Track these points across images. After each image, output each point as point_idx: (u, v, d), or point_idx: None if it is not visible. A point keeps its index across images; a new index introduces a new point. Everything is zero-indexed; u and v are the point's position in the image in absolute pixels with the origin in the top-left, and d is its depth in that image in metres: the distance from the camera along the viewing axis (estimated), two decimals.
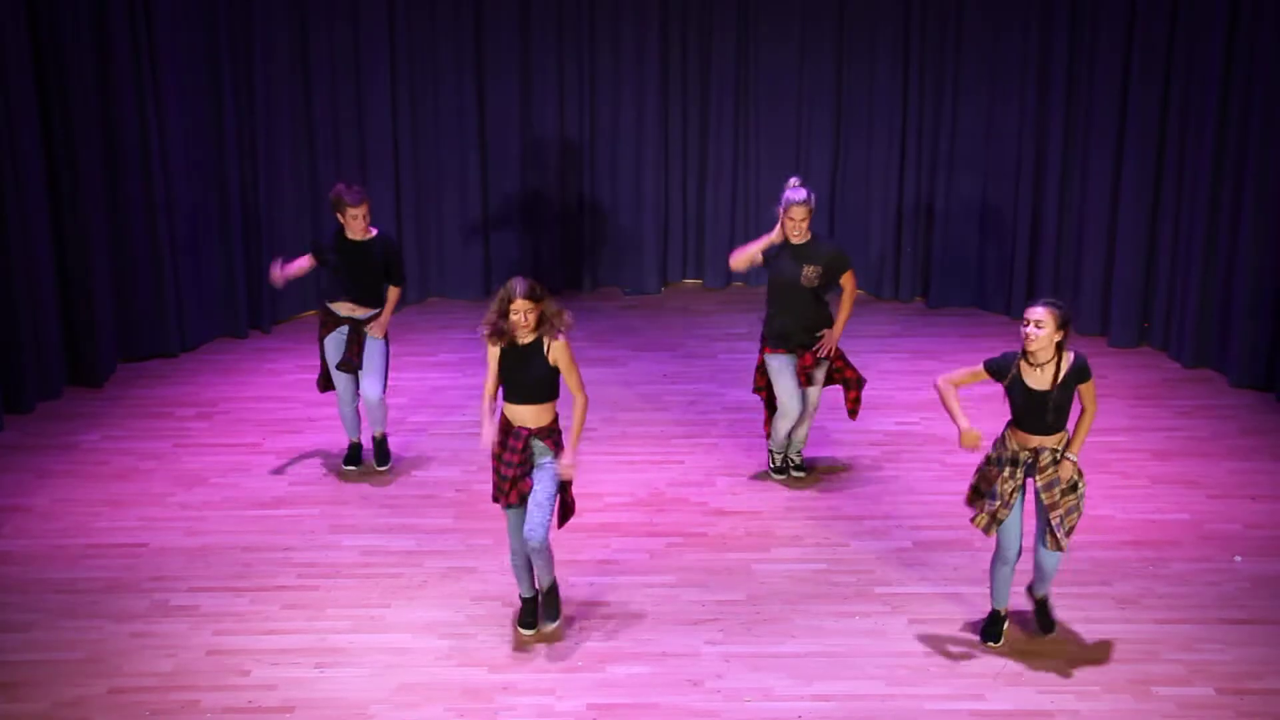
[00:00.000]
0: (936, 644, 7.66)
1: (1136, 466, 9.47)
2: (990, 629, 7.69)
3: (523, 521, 7.49)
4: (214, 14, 10.90)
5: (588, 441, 9.74)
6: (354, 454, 9.45)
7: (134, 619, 7.93)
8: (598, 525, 8.78)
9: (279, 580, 8.29)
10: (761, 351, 8.96)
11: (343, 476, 9.33)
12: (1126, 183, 11.03)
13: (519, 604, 7.84)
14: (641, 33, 11.91)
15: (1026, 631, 7.76)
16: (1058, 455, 7.31)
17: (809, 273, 8.69)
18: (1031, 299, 7.35)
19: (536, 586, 7.73)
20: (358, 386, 9.23)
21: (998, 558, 7.56)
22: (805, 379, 8.87)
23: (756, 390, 9.15)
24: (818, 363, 8.89)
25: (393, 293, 9.19)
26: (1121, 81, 10.93)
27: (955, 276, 11.98)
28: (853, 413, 9.12)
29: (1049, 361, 7.18)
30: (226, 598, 8.12)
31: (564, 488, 7.57)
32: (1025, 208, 11.53)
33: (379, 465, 9.42)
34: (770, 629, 7.87)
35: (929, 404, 10.29)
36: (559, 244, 12.28)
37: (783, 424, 8.99)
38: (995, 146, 11.61)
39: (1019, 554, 7.52)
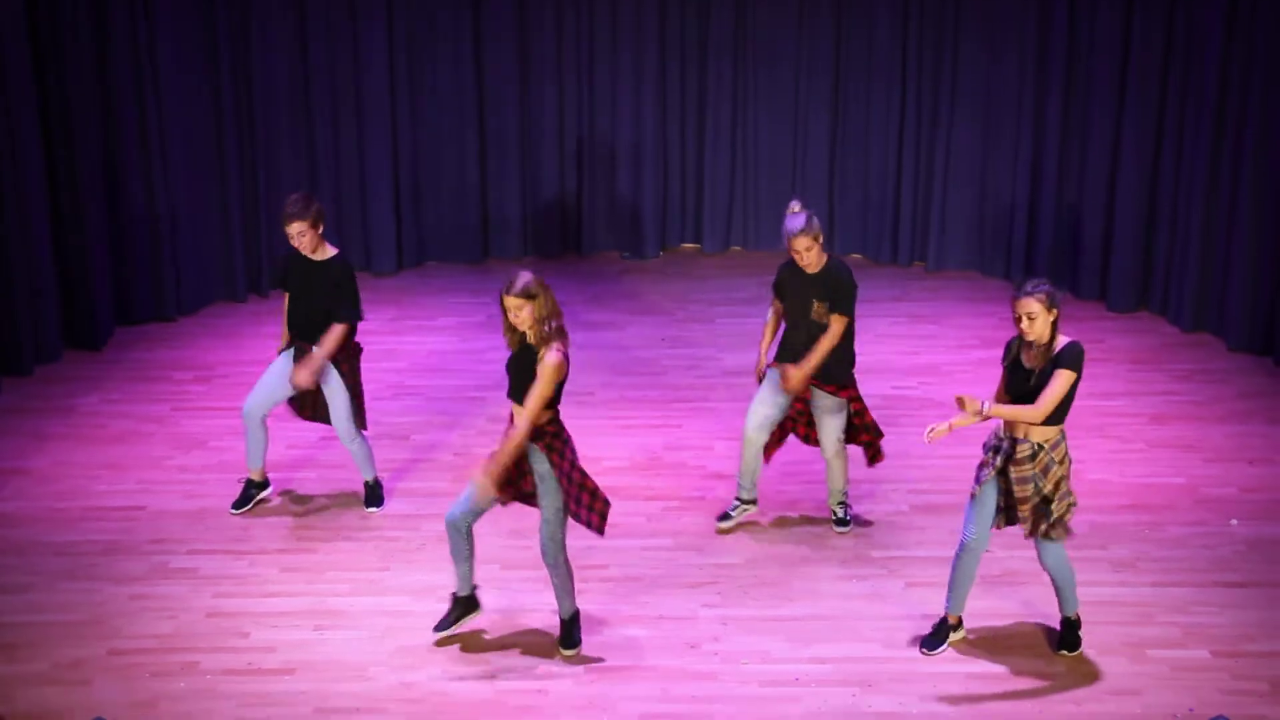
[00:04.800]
0: (933, 607, 7.68)
1: (1134, 431, 9.49)
2: (932, 636, 7.35)
3: (476, 496, 7.14)
4: None
5: (585, 405, 9.75)
6: (245, 493, 8.55)
7: (133, 581, 7.96)
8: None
9: (278, 543, 8.31)
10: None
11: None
12: (1126, 145, 11.01)
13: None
14: None
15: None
16: (1036, 449, 6.99)
17: (819, 310, 7.98)
18: (1020, 285, 6.89)
19: (474, 584, 7.47)
20: (273, 403, 8.34)
21: (962, 544, 7.22)
22: (805, 412, 8.18)
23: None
24: (784, 372, 8.03)
25: (336, 330, 8.11)
26: (1122, 44, 10.90)
27: (954, 240, 11.96)
28: (872, 459, 8.38)
29: (1046, 342, 6.92)
30: (226, 560, 8.15)
31: (594, 494, 7.18)
32: (1024, 171, 11.50)
33: (368, 506, 8.61)
34: (767, 592, 7.90)
35: (926, 368, 10.30)
36: (557, 209, 12.26)
37: (745, 450, 8.25)
38: (994, 111, 11.58)
39: (984, 544, 7.19)
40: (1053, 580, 7.29)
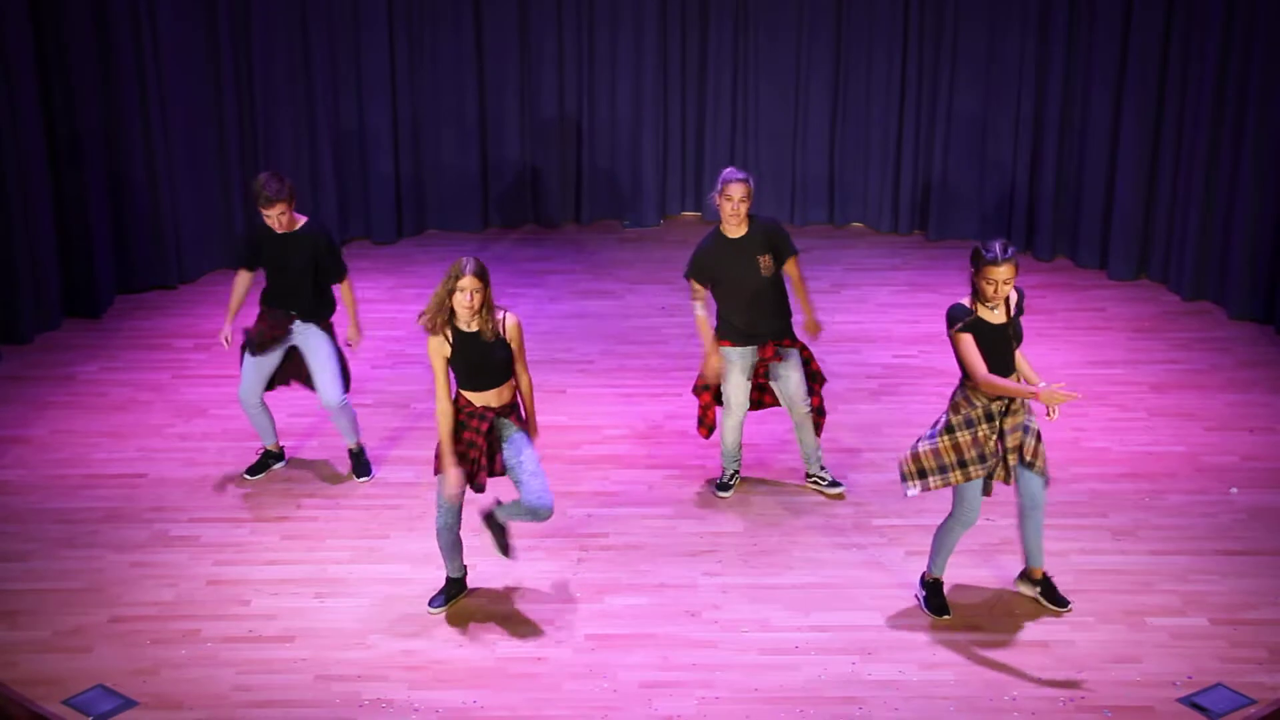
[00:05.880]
0: None
1: (1134, 399, 9.48)
2: (938, 600, 7.43)
3: (463, 495, 7.23)
4: None
5: (585, 374, 9.77)
6: (262, 461, 8.63)
7: (134, 549, 7.97)
8: (596, 457, 8.80)
9: (278, 511, 8.33)
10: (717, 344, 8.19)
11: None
12: (1127, 113, 10.98)
13: (444, 581, 7.56)
14: None
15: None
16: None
17: (765, 262, 8.01)
18: (986, 253, 6.85)
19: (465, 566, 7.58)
20: (267, 385, 8.44)
21: (957, 520, 7.22)
22: (766, 372, 8.18)
23: (698, 390, 8.31)
24: (779, 353, 8.15)
25: (345, 291, 8.41)
26: (1123, 12, 10.86)
27: (955, 209, 11.94)
28: (816, 424, 8.35)
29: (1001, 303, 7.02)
30: (226, 528, 8.16)
31: None
32: (1026, 140, 11.47)
33: (359, 477, 8.61)
34: (768, 561, 7.92)
35: (927, 337, 10.29)
36: (557, 176, 12.23)
37: (730, 424, 8.29)
38: (995, 79, 11.53)
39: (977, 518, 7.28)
40: (1037, 514, 7.24)
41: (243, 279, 8.41)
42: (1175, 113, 10.78)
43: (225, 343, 8.50)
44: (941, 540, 7.38)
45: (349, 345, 8.58)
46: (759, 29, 11.97)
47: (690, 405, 9.41)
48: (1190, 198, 10.75)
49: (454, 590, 7.54)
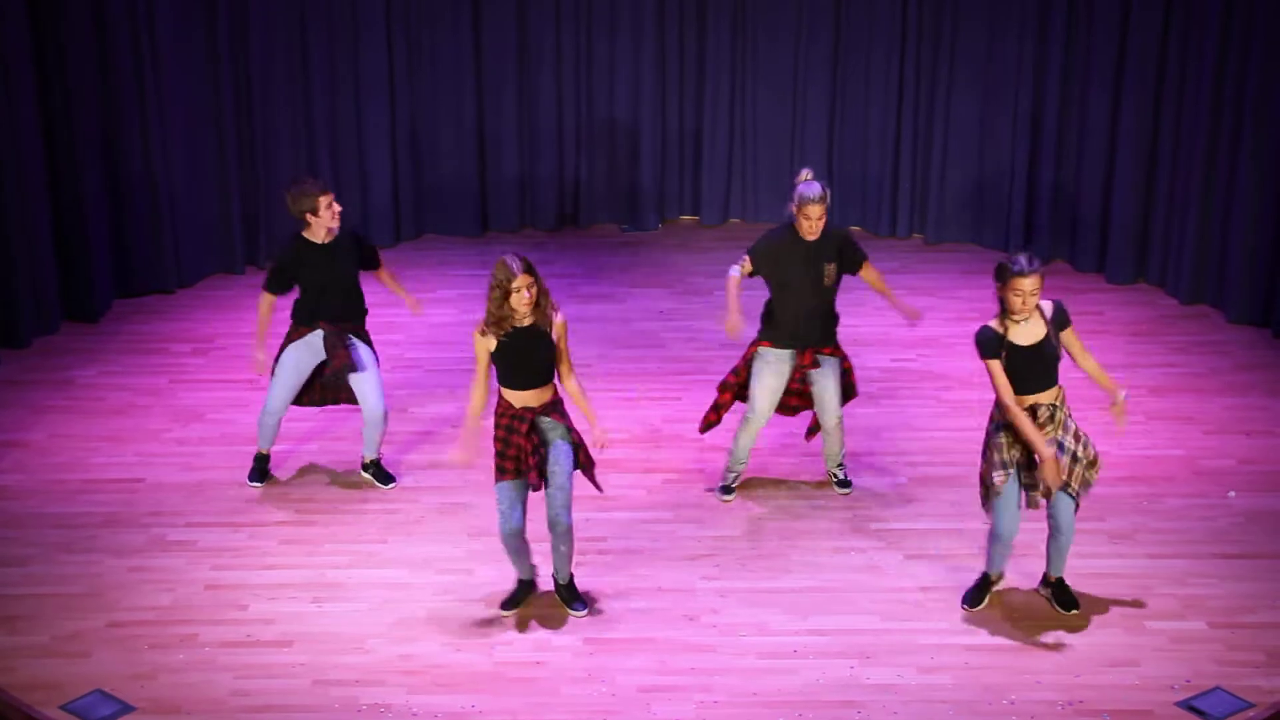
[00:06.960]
0: (931, 579, 7.70)
1: (1132, 403, 9.45)
2: (979, 593, 7.50)
3: (524, 498, 7.26)
4: None
5: (585, 378, 9.69)
6: (263, 466, 8.61)
7: (132, 553, 7.97)
8: (594, 462, 8.78)
9: (276, 516, 8.32)
10: (756, 344, 8.21)
11: (272, 475, 8.65)
12: (1125, 116, 10.98)
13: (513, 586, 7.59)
14: None
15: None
16: (1054, 410, 7.12)
17: (830, 270, 8.05)
18: (1012, 266, 6.94)
19: (553, 575, 7.53)
20: (294, 399, 8.42)
21: (998, 536, 7.30)
22: (803, 379, 8.22)
23: (721, 388, 8.36)
24: (818, 360, 8.17)
25: (386, 274, 8.60)
26: (1121, 14, 10.86)
27: (953, 212, 11.94)
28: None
29: (1032, 314, 7.03)
30: (224, 533, 8.16)
31: (580, 449, 7.38)
32: (1023, 143, 11.47)
33: (385, 484, 8.59)
34: (766, 564, 7.92)
35: (925, 341, 10.29)
36: (555, 180, 12.22)
37: (749, 430, 8.30)
38: (994, 83, 11.54)
39: (1017, 532, 7.29)
40: (1061, 538, 7.29)
41: (268, 302, 8.33)
42: (1173, 114, 10.77)
43: (260, 370, 8.50)
44: (988, 547, 7.42)
45: (415, 313, 8.84)
46: (757, 31, 11.97)
47: (690, 409, 9.41)
48: (1189, 200, 10.75)
49: (524, 592, 7.53)
